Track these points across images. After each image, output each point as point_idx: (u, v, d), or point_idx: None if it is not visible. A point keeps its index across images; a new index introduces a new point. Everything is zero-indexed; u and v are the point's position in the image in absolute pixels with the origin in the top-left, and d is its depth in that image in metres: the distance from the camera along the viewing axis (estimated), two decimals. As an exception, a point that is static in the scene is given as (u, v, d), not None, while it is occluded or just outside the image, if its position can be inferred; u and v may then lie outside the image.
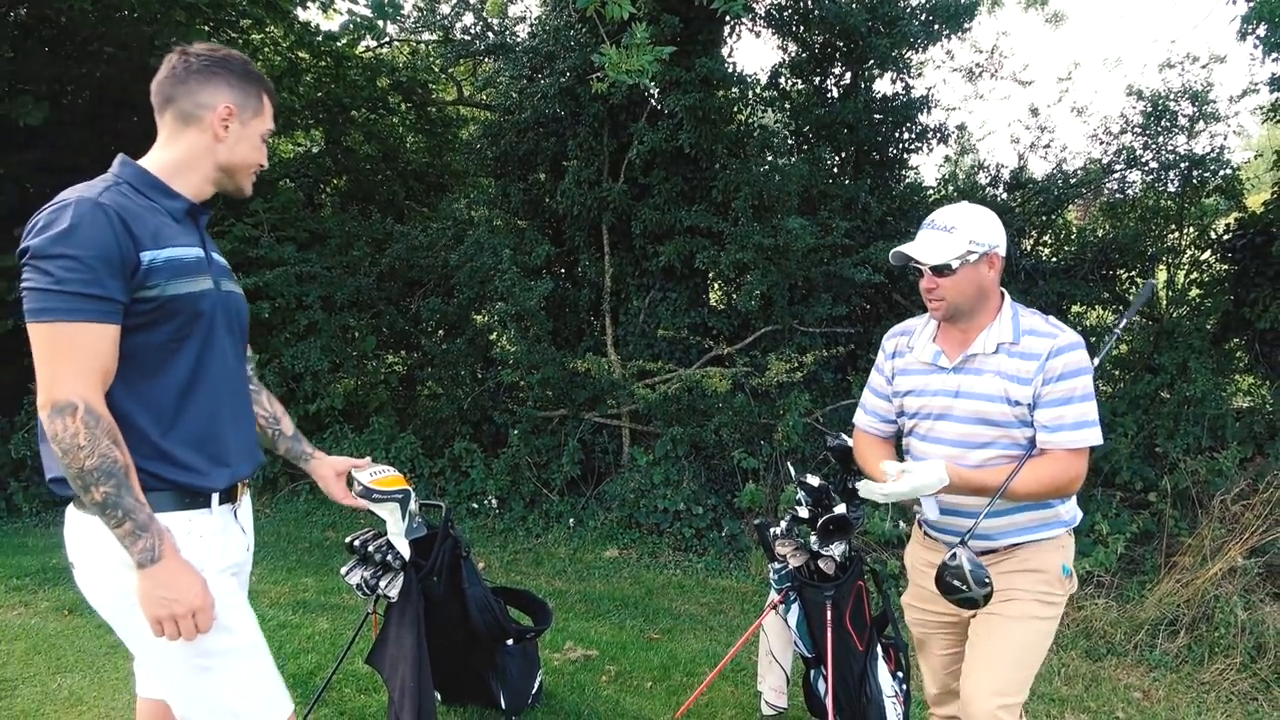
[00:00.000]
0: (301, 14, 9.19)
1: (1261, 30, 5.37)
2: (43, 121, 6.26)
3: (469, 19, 10.14)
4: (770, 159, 7.47)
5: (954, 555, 2.08)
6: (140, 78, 7.17)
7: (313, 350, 7.41)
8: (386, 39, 10.51)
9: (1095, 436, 2.15)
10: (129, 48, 7.30)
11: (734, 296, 7.47)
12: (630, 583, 6.14)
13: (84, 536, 1.72)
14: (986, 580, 2.05)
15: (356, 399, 7.94)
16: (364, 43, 10.05)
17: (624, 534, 6.89)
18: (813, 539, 3.49)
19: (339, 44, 9.50)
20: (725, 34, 7.97)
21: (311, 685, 3.46)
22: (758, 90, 7.83)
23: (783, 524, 3.65)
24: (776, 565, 3.68)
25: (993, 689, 2.17)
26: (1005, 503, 2.17)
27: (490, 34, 9.72)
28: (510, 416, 7.55)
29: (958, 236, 2.19)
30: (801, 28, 8.00)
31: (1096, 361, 2.56)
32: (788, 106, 8.11)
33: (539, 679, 3.54)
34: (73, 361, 1.55)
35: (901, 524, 6.23)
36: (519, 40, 9.20)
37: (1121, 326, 2.73)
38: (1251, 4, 5.57)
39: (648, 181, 7.51)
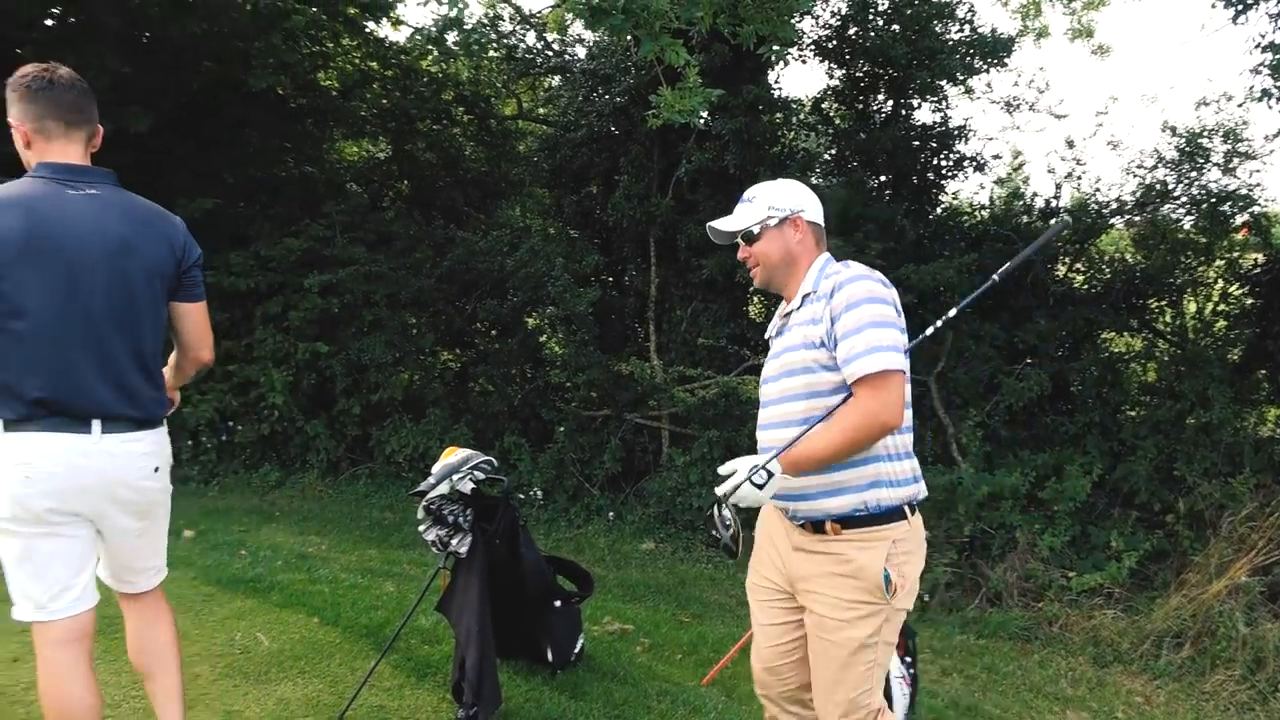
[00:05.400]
0: (372, 26, 9.84)
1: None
2: (146, 128, 6.91)
3: (531, 38, 10.70)
4: (813, 181, 7.90)
5: (716, 505, 2.14)
6: (229, 87, 7.82)
7: (377, 344, 8.00)
8: (452, 55, 11.10)
9: (889, 360, 2.03)
10: (224, 61, 7.96)
11: (771, 310, 7.89)
12: (665, 573, 6.58)
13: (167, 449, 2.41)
14: (729, 524, 2.11)
15: (414, 391, 8.48)
16: (430, 57, 10.65)
17: (660, 529, 7.33)
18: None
19: (407, 57, 10.12)
20: (771, 61, 8.41)
21: (382, 636, 3.94)
22: (802, 115, 8.26)
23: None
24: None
25: (834, 713, 2.24)
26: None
27: (550, 54, 10.27)
28: (557, 414, 8.04)
29: (758, 204, 2.33)
30: (847, 56, 8.42)
31: (996, 276, 2.64)
32: (830, 132, 8.53)
33: (581, 641, 3.98)
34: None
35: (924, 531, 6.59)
36: (578, 61, 9.73)
37: (1020, 259, 2.77)
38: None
39: (694, 198, 7.97)
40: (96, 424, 2.19)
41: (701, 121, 7.38)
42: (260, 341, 8.25)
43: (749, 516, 2.27)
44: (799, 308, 2.27)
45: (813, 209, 2.36)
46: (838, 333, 2.11)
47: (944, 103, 8.35)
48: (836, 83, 8.66)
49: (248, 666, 3.57)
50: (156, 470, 2.34)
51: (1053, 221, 8.13)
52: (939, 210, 8.66)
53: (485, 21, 10.92)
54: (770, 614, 2.40)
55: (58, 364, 2.14)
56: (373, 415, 8.23)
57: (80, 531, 2.23)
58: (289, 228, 8.60)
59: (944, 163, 8.48)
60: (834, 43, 8.42)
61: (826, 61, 8.61)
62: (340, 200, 9.05)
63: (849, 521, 2.16)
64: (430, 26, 9.41)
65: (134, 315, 2.24)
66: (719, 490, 2.12)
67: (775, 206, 2.31)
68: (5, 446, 2.13)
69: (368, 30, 9.82)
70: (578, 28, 10.23)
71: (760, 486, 2.07)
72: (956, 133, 8.21)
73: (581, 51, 10.13)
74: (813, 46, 8.53)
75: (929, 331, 2.57)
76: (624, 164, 8.20)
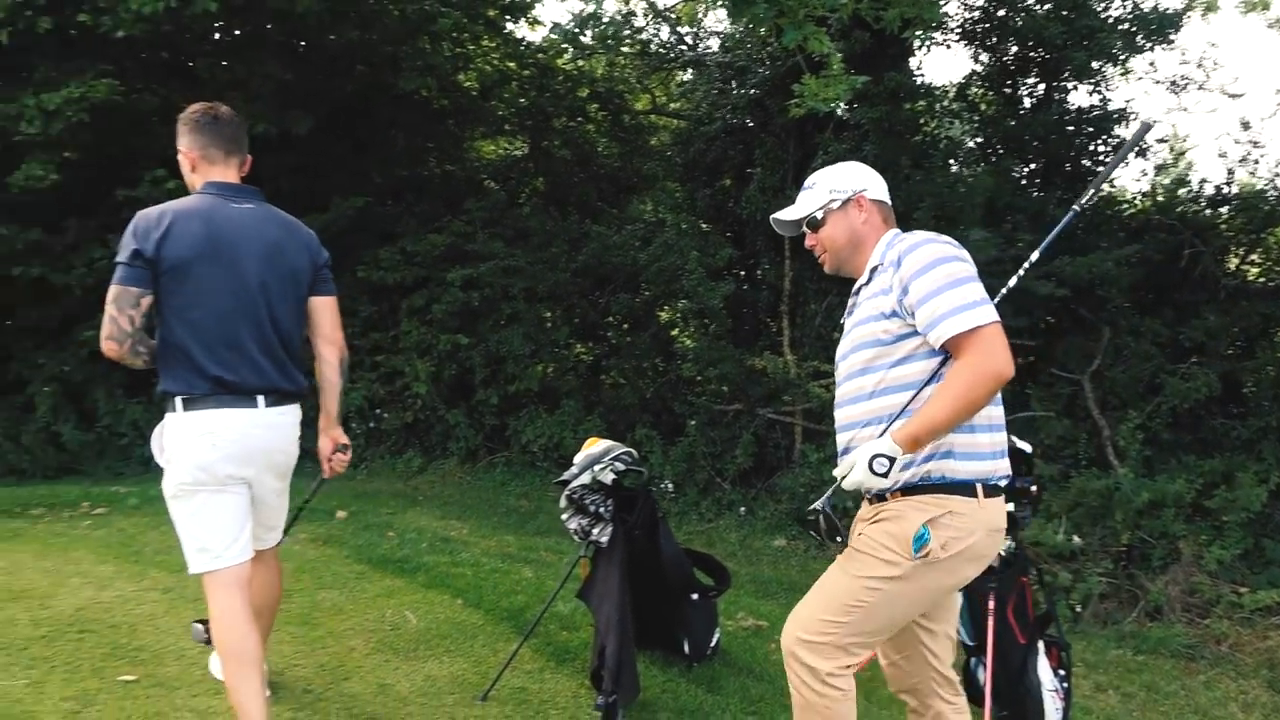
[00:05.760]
0: (510, 27, 10.10)
1: None
2: (306, 130, 7.34)
3: (665, 33, 10.71)
4: (956, 170, 7.59)
5: (820, 503, 2.14)
6: (379, 90, 8.23)
7: (515, 337, 8.25)
8: (588, 51, 11.23)
9: (980, 316, 1.98)
10: (374, 65, 8.36)
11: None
12: (798, 570, 6.47)
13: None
14: (832, 521, 2.12)
15: (549, 383, 8.67)
16: (566, 55, 10.82)
17: (792, 525, 7.21)
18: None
19: (543, 56, 10.32)
20: (915, 46, 8.12)
21: (522, 620, 4.05)
22: (945, 102, 7.94)
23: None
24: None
25: (796, 622, 2.21)
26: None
27: (684, 47, 10.26)
28: (688, 408, 8.05)
29: (819, 189, 2.30)
30: (995, 39, 8.04)
31: (1079, 205, 2.48)
32: (976, 119, 8.17)
33: (717, 635, 3.97)
34: None
35: (1076, 538, 6.23)
36: (712, 53, 9.68)
37: (1103, 178, 2.57)
38: None
39: (831, 190, 7.79)
40: (261, 399, 2.53)
41: (840, 111, 7.22)
42: (406, 333, 8.63)
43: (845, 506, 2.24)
44: (867, 282, 2.25)
45: (876, 187, 2.34)
46: (913, 301, 2.05)
47: (1102, 84, 7.85)
48: (982, 67, 8.28)
49: (398, 643, 3.74)
50: (300, 437, 2.72)
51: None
52: (1096, 199, 8.16)
53: (619, 17, 11.02)
54: None
55: (232, 347, 2.49)
56: (510, 405, 8.48)
57: (243, 490, 2.59)
58: (433, 224, 8.96)
59: (1101, 148, 7.96)
60: (981, 25, 8.06)
61: (972, 45, 8.25)
62: (480, 197, 9.35)
63: (910, 491, 2.13)
64: (568, 23, 9.57)
65: (285, 306, 2.61)
66: (843, 482, 2.09)
67: (837, 189, 2.29)
68: (187, 421, 2.46)
69: (506, 31, 10.09)
70: (711, 21, 10.19)
71: (884, 475, 2.02)
72: (1116, 116, 7.70)
73: (715, 44, 10.09)
74: (958, 30, 8.20)
75: (1012, 283, 2.43)
76: (758, 156, 8.10)
